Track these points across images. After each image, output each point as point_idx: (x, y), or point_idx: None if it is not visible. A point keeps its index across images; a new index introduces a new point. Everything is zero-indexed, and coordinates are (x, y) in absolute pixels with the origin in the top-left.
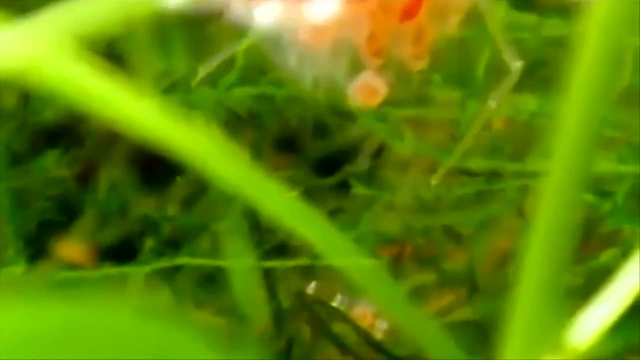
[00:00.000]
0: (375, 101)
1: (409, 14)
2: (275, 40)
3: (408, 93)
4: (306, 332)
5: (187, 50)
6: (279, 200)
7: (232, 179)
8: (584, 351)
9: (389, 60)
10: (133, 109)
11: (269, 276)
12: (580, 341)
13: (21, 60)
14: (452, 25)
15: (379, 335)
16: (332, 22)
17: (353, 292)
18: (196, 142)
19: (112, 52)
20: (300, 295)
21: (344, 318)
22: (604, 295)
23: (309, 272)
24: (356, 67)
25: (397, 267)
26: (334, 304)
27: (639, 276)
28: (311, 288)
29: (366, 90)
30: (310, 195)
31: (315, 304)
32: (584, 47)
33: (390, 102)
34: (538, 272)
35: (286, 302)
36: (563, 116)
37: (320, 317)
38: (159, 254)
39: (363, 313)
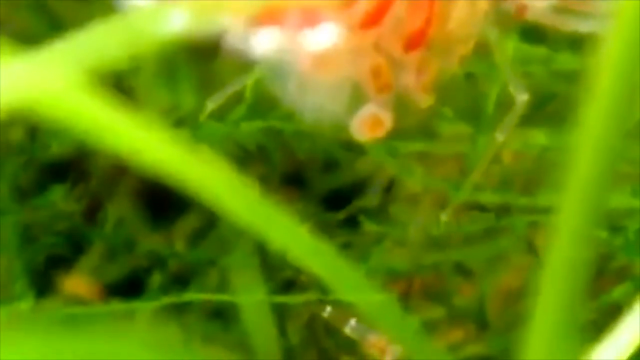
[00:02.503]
0: (380, 133)
1: (413, 44)
2: (277, 71)
3: (416, 126)
4: None
5: (194, 85)
6: (288, 235)
7: (242, 213)
8: None
9: (393, 92)
10: (142, 142)
11: (279, 311)
12: None
13: (31, 93)
14: (458, 57)
15: None
16: (333, 52)
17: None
18: (205, 176)
19: (119, 86)
20: (310, 327)
21: (353, 351)
22: (616, 332)
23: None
24: (359, 99)
25: (406, 302)
26: (347, 330)
27: None
28: (326, 312)
29: (371, 123)
30: (319, 229)
31: (324, 337)
32: (596, 81)
33: (398, 136)
34: (551, 308)
35: (295, 337)
36: (576, 150)
37: (329, 352)
38: (167, 289)
39: (377, 337)
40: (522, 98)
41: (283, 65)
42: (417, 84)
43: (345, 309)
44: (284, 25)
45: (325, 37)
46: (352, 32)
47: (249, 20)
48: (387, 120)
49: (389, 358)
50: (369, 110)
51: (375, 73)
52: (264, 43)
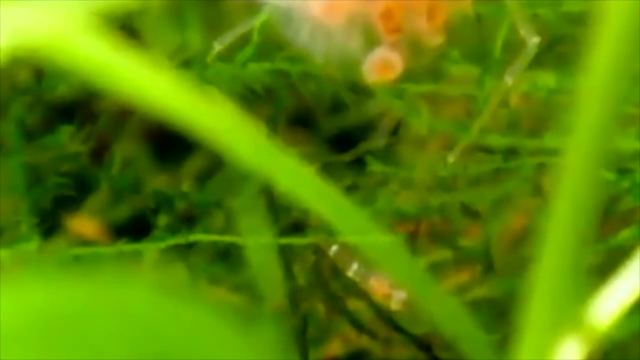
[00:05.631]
0: (391, 76)
1: None
2: (287, 15)
3: (424, 68)
4: (321, 309)
5: (202, 26)
6: (295, 177)
7: (248, 155)
8: (603, 330)
9: (404, 35)
10: (149, 83)
11: (284, 253)
12: (600, 320)
13: (36, 36)
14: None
15: (395, 306)
16: None
17: (369, 263)
18: (212, 118)
19: (127, 27)
20: (316, 269)
21: (360, 293)
22: (623, 275)
23: (327, 245)
24: (370, 42)
25: (412, 244)
26: (350, 273)
27: None
28: (332, 251)
29: (382, 65)
30: (326, 171)
31: (330, 279)
32: (604, 24)
33: (406, 77)
34: (557, 250)
35: (301, 279)
36: (583, 92)
37: (335, 294)
38: (173, 230)
39: (379, 282)
40: (532, 41)
41: (294, 10)
42: (428, 27)
43: (350, 251)
44: None
45: None
46: None
47: None
48: (398, 63)
49: (394, 302)
50: (380, 53)
51: (386, 16)
52: None
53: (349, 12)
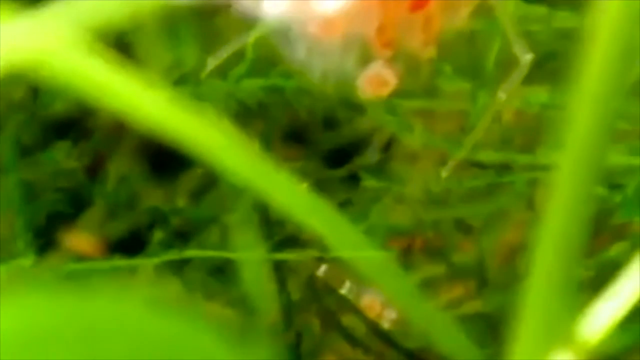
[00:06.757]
0: (385, 92)
1: (418, 4)
2: (284, 32)
3: (417, 84)
4: (315, 324)
5: (196, 42)
6: (288, 192)
7: (242, 171)
8: (594, 344)
9: (398, 51)
10: (143, 100)
11: (278, 268)
12: (591, 334)
13: (31, 52)
14: (462, 16)
15: (387, 325)
16: (341, 14)
17: (361, 280)
18: (206, 134)
19: (121, 43)
20: (310, 285)
21: (353, 309)
22: (614, 289)
23: (318, 263)
24: (365, 59)
25: (406, 260)
26: (343, 291)
27: None
28: (321, 271)
29: (376, 81)
30: (320, 187)
31: (324, 294)
32: (595, 39)
33: (399, 93)
34: (549, 265)
35: (295, 294)
36: (574, 108)
37: (329, 309)
38: (168, 246)
39: (371, 301)
40: (526, 57)
41: (292, 28)
42: (422, 42)
43: (342, 269)
44: None
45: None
46: None
47: None
48: (392, 79)
49: (385, 321)
50: (374, 69)
51: (380, 31)
52: (274, 6)
53: (345, 28)
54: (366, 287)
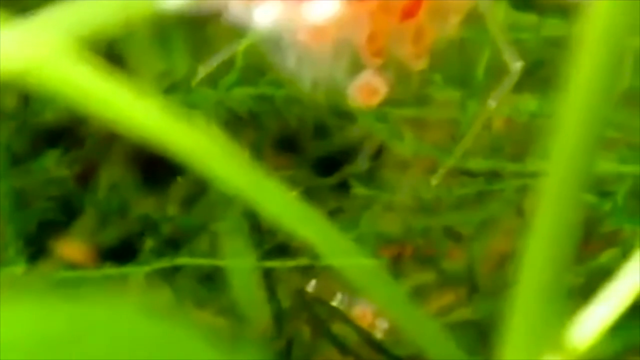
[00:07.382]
0: (375, 100)
1: (408, 13)
2: (274, 41)
3: (408, 93)
4: (306, 332)
5: (186, 51)
6: (278, 200)
7: (232, 179)
8: (583, 351)
9: (388, 59)
10: (133, 109)
11: (268, 276)
12: (580, 341)
13: (21, 61)
14: (452, 25)
15: (378, 335)
16: (331, 23)
17: (353, 291)
18: (196, 142)
19: (111, 52)
20: (300, 294)
21: (344, 318)
22: (603, 295)
23: (308, 272)
24: (356, 67)
25: (396, 267)
26: (334, 303)
27: (638, 276)
28: (311, 286)
29: (366, 90)
30: (310, 195)
31: (315, 303)
32: (584, 48)
33: (390, 102)
34: (538, 272)
35: (286, 301)
36: (563, 116)
37: (320, 317)
38: (159, 253)
39: (363, 312)
40: (516, 66)
41: (283, 36)
42: (412, 51)
43: (332, 281)
44: None
45: (325, 8)
46: (349, 3)
47: None
48: (382, 87)
49: (377, 331)
50: (364, 77)
51: (371, 39)
52: (264, 14)
53: (335, 37)
54: (357, 298)
